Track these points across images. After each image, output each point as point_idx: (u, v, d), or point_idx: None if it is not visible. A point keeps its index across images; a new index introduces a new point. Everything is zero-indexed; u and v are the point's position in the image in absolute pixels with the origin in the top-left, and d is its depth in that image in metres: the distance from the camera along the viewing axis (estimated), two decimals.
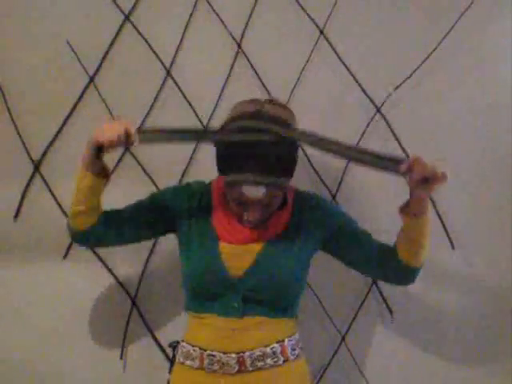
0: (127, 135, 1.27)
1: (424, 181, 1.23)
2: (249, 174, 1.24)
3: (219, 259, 1.35)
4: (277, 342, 1.34)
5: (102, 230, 1.40)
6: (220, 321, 1.34)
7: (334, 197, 1.77)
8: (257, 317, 1.34)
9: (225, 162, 1.28)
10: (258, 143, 1.24)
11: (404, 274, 1.40)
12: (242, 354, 1.32)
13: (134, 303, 1.74)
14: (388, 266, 1.40)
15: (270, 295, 1.34)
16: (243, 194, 1.27)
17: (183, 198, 1.43)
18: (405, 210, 1.32)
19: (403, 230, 1.36)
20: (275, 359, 1.33)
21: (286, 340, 1.36)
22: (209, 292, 1.36)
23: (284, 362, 1.34)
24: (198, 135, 1.40)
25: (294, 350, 1.37)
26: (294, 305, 1.40)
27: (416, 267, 1.38)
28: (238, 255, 1.35)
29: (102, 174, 1.36)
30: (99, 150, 1.30)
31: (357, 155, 1.31)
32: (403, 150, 1.76)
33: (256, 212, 1.31)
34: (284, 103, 1.43)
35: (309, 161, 1.76)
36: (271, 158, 1.24)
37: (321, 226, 1.40)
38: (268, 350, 1.33)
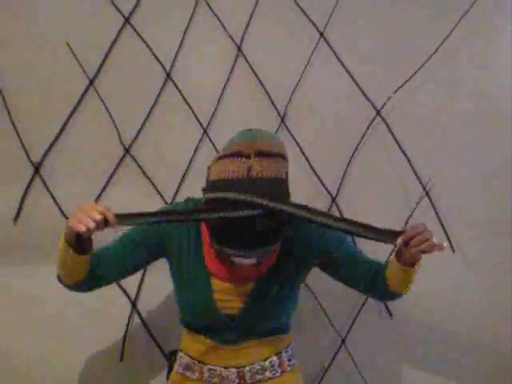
0: (105, 221, 1.16)
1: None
2: (238, 248, 1.18)
3: (212, 298, 1.32)
4: (275, 355, 1.37)
5: (91, 283, 1.31)
6: (214, 344, 1.34)
7: (334, 200, 1.77)
8: (252, 340, 1.35)
9: (212, 233, 1.21)
10: (246, 218, 1.16)
11: (390, 297, 1.40)
12: (241, 369, 1.34)
13: (134, 306, 1.74)
14: (376, 289, 1.36)
15: (265, 326, 1.36)
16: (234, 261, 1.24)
17: (172, 235, 1.35)
18: (399, 258, 1.26)
19: (396, 268, 1.28)
20: (273, 372, 1.37)
21: (283, 352, 1.39)
22: (202, 324, 1.36)
23: (281, 373, 1.37)
24: (181, 216, 1.24)
25: (290, 360, 1.40)
26: (288, 322, 1.42)
27: (403, 293, 1.35)
28: (230, 293, 1.32)
29: (86, 250, 1.23)
30: (78, 235, 1.19)
31: (350, 227, 1.22)
32: (403, 152, 1.76)
33: (247, 268, 1.28)
34: (272, 135, 1.30)
35: (309, 163, 1.76)
36: (260, 232, 1.17)
37: (311, 254, 1.35)
38: (267, 363, 1.36)
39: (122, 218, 1.20)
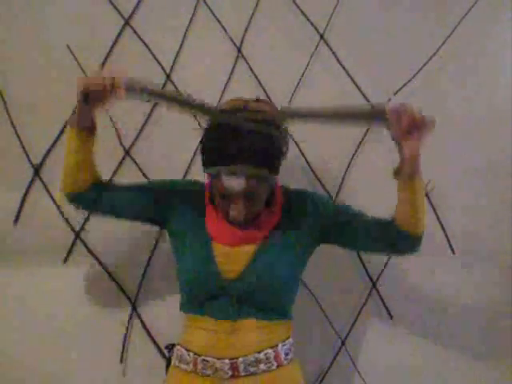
0: (113, 86, 1.26)
1: (412, 129, 1.22)
2: (226, 162, 1.24)
3: (213, 261, 1.34)
4: (270, 348, 1.33)
5: (92, 194, 1.40)
6: (214, 324, 1.33)
7: (334, 200, 1.77)
8: (251, 319, 1.33)
9: (207, 154, 1.28)
10: (240, 135, 1.23)
11: (405, 243, 1.35)
12: (235, 360, 1.31)
13: (133, 307, 1.74)
14: (389, 237, 1.35)
15: (265, 297, 1.33)
16: (224, 187, 1.26)
17: (179, 193, 1.43)
18: (398, 173, 1.30)
19: (398, 196, 1.32)
20: (268, 364, 1.32)
21: (280, 345, 1.34)
22: (202, 293, 1.35)
23: (277, 366, 1.33)
24: (183, 103, 1.35)
25: (287, 354, 1.35)
26: (288, 306, 1.39)
27: (416, 233, 1.33)
28: (231, 257, 1.34)
29: (88, 130, 1.36)
30: (86, 98, 1.30)
31: (340, 116, 1.28)
32: None
33: (240, 206, 1.29)
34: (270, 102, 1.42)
35: (308, 164, 1.76)
36: (252, 149, 1.23)
37: (313, 220, 1.38)
38: (261, 355, 1.32)
39: (132, 91, 1.30)
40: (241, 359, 1.31)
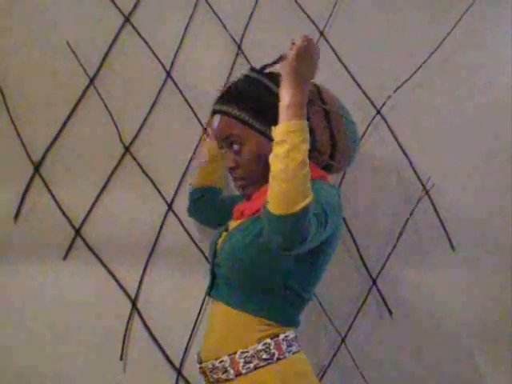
0: None
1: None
2: (216, 102, 1.31)
3: (218, 235, 1.35)
4: (228, 355, 1.20)
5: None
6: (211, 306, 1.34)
7: None
8: (222, 304, 1.26)
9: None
10: (235, 80, 1.33)
11: (272, 227, 1.02)
12: (203, 365, 1.27)
13: (134, 304, 1.75)
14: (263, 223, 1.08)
15: (232, 274, 1.23)
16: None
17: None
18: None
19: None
20: (226, 374, 1.20)
21: (238, 353, 1.19)
22: (210, 269, 1.35)
23: (236, 376, 1.19)
24: None
25: (248, 363, 1.18)
26: (264, 301, 1.22)
27: (278, 213, 0.99)
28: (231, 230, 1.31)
29: None
30: None
31: None
32: (403, 151, 1.76)
33: (228, 154, 1.28)
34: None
35: None
36: (236, 91, 1.28)
37: None
38: (217, 363, 1.22)
39: None
40: (204, 365, 1.26)
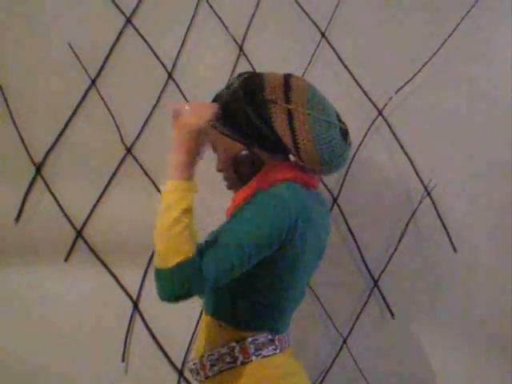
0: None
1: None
2: None
3: None
4: (199, 358, 1.25)
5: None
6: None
7: (335, 200, 1.77)
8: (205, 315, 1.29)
9: None
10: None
11: (154, 277, 1.06)
12: (188, 367, 1.32)
13: (135, 305, 1.75)
14: None
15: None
16: None
17: None
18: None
19: None
20: (199, 375, 1.26)
21: (206, 355, 1.23)
22: None
23: (206, 378, 1.24)
24: None
25: (213, 366, 1.21)
26: (232, 307, 1.22)
27: (156, 267, 1.05)
28: None
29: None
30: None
31: None
32: (405, 153, 1.76)
33: (217, 163, 1.32)
34: None
35: None
36: (217, 96, 1.31)
37: None
38: (191, 365, 1.27)
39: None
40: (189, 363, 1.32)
